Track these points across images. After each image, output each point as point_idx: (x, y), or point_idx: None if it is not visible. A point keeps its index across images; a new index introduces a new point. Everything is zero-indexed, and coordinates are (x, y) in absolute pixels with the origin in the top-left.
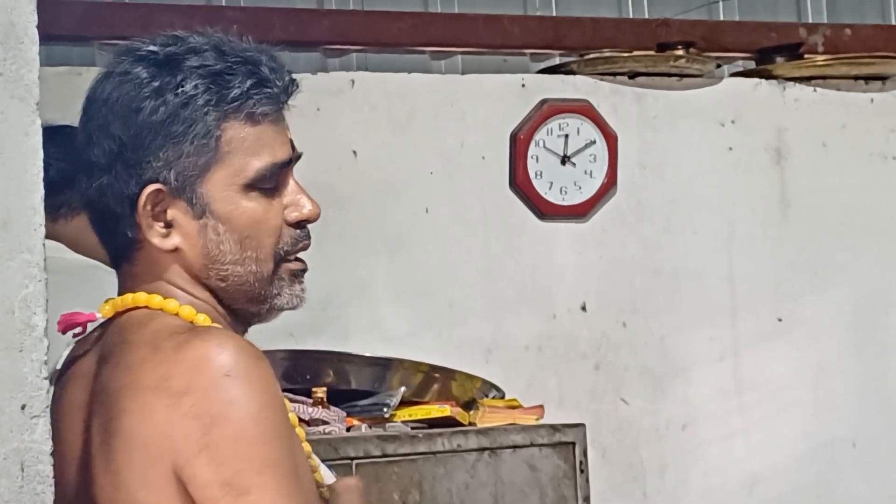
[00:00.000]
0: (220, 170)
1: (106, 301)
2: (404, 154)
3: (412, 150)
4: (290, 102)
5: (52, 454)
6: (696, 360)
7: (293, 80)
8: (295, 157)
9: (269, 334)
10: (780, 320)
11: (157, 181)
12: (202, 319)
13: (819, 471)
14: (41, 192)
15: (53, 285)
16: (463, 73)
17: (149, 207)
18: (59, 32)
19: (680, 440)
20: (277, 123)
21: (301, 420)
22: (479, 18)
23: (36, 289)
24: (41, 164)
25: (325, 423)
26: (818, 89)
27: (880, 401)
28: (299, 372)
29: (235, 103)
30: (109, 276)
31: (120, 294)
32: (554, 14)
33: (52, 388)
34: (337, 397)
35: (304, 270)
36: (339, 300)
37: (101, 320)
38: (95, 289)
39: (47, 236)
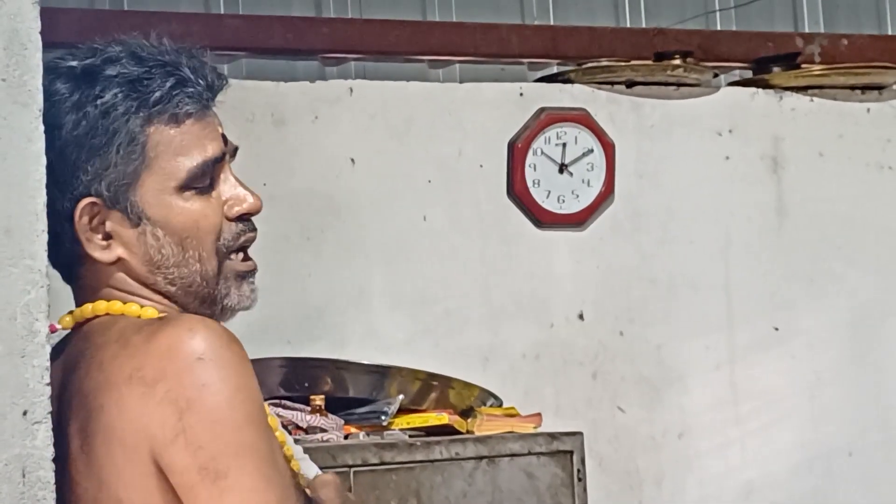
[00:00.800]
0: (151, 175)
1: (66, 314)
2: (402, 162)
3: (410, 158)
4: (218, 99)
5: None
6: (693, 369)
7: (220, 76)
8: (229, 150)
9: (267, 342)
10: (776, 329)
11: (89, 195)
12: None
13: (815, 480)
14: (44, 198)
15: (62, 292)
16: (461, 82)
17: (85, 221)
18: (59, 39)
19: (676, 449)
20: (203, 120)
21: (299, 428)
22: (477, 27)
23: (38, 295)
24: (44, 170)
25: (322, 430)
26: (815, 99)
27: (877, 410)
28: (297, 380)
29: (157, 106)
30: None
31: (78, 306)
32: (552, 23)
33: None
34: (335, 405)
35: (253, 271)
36: (336, 308)
37: (63, 333)
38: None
39: None
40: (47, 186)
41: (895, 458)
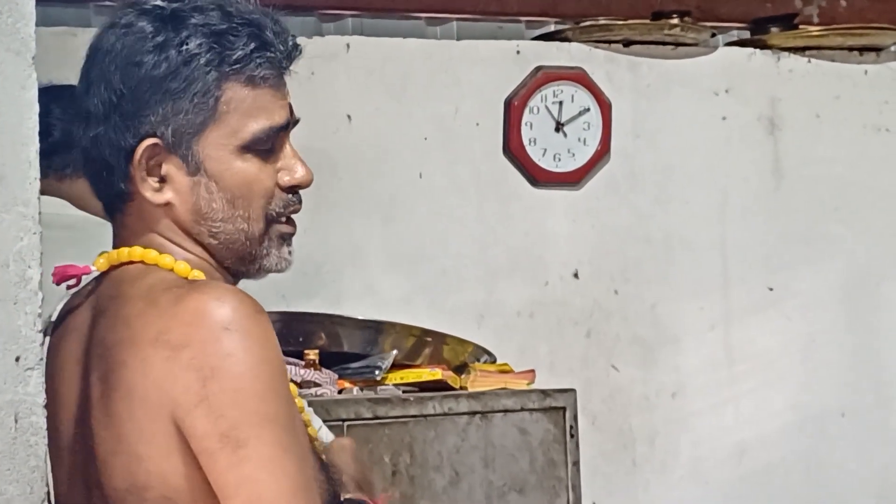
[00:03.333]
0: (217, 129)
1: (100, 254)
2: (399, 119)
3: (406, 116)
4: (291, 68)
5: (46, 406)
6: (687, 329)
7: (296, 46)
8: (293, 121)
9: (262, 297)
10: (771, 290)
11: (153, 135)
12: (195, 275)
13: (808, 441)
14: (37, 145)
15: (58, 241)
16: (458, 39)
17: (144, 161)
18: None
19: (670, 408)
20: (277, 88)
21: (293, 381)
22: None
23: (30, 242)
24: (37, 118)
25: (316, 385)
26: (812, 60)
27: (870, 372)
28: (292, 334)
29: (237, 65)
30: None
31: (115, 247)
32: None
33: (46, 340)
34: (329, 360)
35: (293, 234)
36: (332, 265)
37: (96, 273)
38: (100, 245)
39: (53, 195)
40: (113, 119)
41: (888, 420)
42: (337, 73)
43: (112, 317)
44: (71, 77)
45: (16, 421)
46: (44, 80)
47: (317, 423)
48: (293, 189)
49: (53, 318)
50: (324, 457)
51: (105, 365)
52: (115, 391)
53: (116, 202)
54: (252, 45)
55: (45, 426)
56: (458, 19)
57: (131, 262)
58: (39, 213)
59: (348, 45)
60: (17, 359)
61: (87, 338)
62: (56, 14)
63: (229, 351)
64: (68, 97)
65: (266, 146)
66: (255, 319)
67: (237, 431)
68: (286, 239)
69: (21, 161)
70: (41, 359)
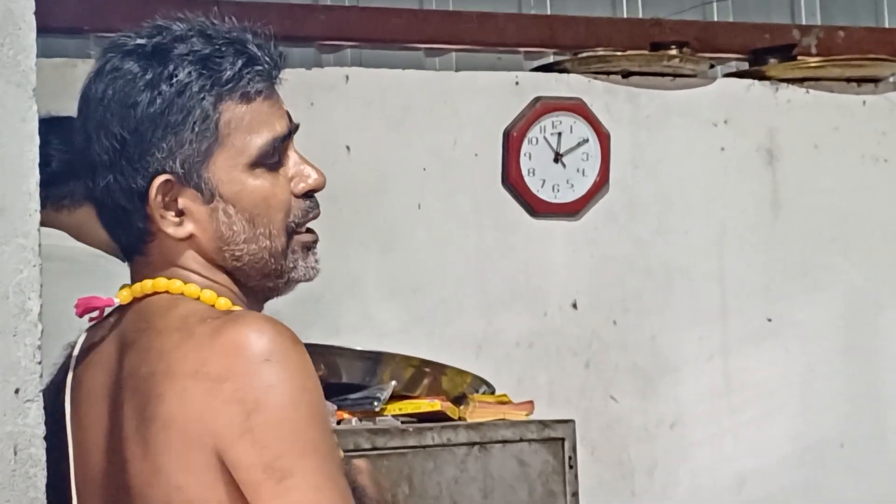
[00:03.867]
0: (223, 152)
1: (122, 287)
2: (397, 150)
3: (405, 147)
4: (280, 76)
5: (73, 437)
6: (686, 359)
7: (282, 54)
8: (293, 128)
9: None
10: (769, 321)
11: (164, 172)
12: (223, 303)
13: (807, 471)
14: (37, 177)
15: (56, 273)
16: (457, 70)
17: (160, 198)
18: (55, 24)
19: (669, 439)
20: (272, 98)
21: None
22: (473, 16)
23: (30, 274)
24: (37, 150)
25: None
26: (811, 91)
27: (869, 402)
28: None
29: (229, 84)
30: (111, 265)
31: (134, 283)
32: (548, 12)
33: (69, 373)
34: (328, 390)
35: (316, 241)
36: (330, 295)
37: (118, 305)
38: (98, 277)
39: (51, 226)
40: (119, 164)
41: (887, 450)
42: (336, 103)
43: (144, 349)
44: (71, 108)
45: (15, 453)
46: (43, 111)
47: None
48: (308, 194)
49: (76, 352)
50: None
51: (140, 397)
52: (152, 423)
53: (136, 244)
54: (240, 62)
55: (44, 458)
56: (456, 50)
57: (155, 293)
58: (39, 245)
59: (347, 77)
60: (17, 391)
61: (115, 370)
62: (56, 45)
63: (271, 382)
64: (67, 128)
65: (273, 158)
66: (294, 349)
67: (282, 462)
68: (310, 247)
69: (21, 193)
70: (40, 391)
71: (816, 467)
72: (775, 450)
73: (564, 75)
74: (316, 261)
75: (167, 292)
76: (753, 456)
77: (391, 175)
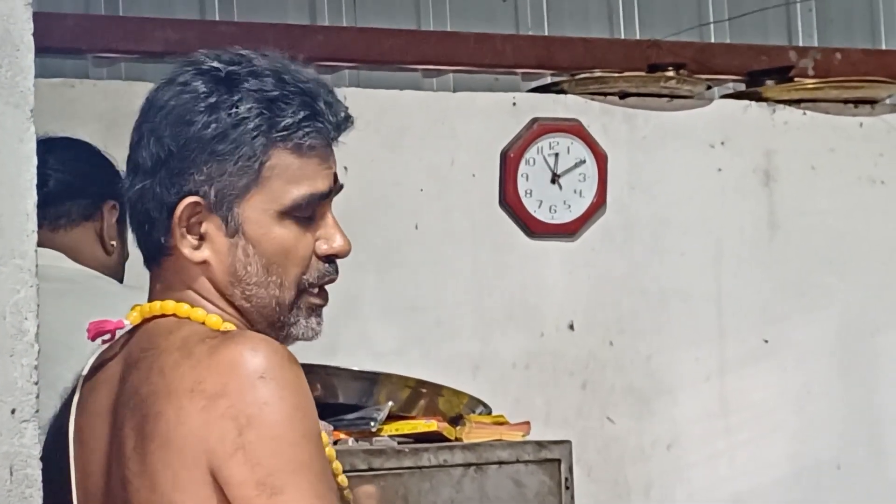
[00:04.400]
0: (259, 193)
1: (133, 308)
2: (395, 170)
3: (403, 167)
4: (340, 139)
5: (75, 457)
6: (683, 380)
7: (348, 118)
8: (336, 188)
9: None
10: (766, 342)
11: (196, 194)
12: (228, 327)
13: (803, 493)
14: (34, 198)
15: (54, 293)
16: (454, 91)
17: (185, 218)
18: (53, 45)
19: (665, 460)
20: (323, 157)
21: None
22: (471, 37)
23: (27, 294)
24: (34, 170)
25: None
26: (807, 112)
27: (865, 424)
28: None
29: (285, 132)
30: (108, 285)
31: (150, 298)
32: (546, 34)
33: (76, 394)
34: (324, 410)
35: (323, 306)
36: (327, 315)
37: (129, 327)
38: (93, 297)
39: (48, 245)
40: (160, 174)
41: (883, 472)
42: None
43: (146, 369)
44: (68, 128)
45: (11, 473)
46: (41, 131)
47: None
48: (330, 258)
49: (84, 372)
50: None
51: (140, 416)
52: (150, 441)
53: (156, 255)
54: (302, 114)
55: (40, 478)
56: (454, 71)
57: (163, 316)
58: (36, 266)
59: (345, 97)
60: (13, 411)
61: (118, 390)
62: (54, 66)
63: (265, 399)
64: (63, 149)
65: (306, 213)
66: (289, 368)
67: (273, 479)
68: (315, 310)
69: (19, 213)
70: (36, 411)
71: (813, 489)
72: (772, 471)
73: (562, 96)
74: (318, 323)
75: (175, 315)
76: (750, 477)
77: (388, 195)
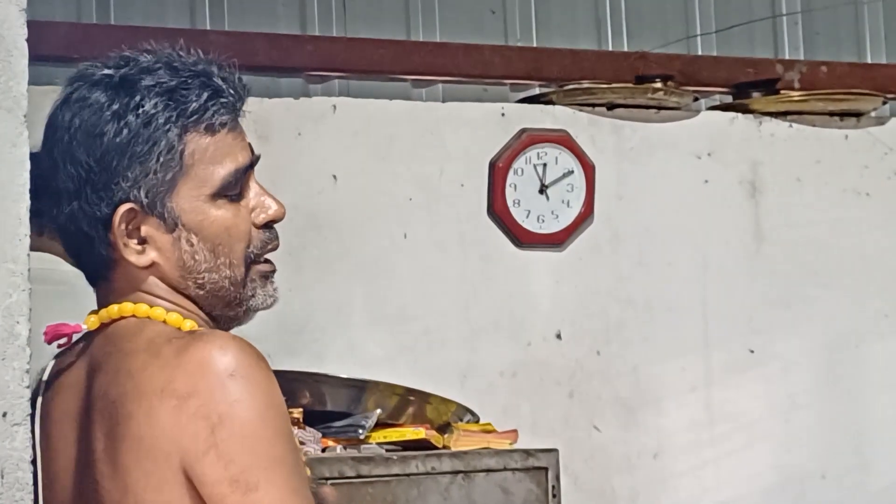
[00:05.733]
0: (187, 182)
1: (90, 313)
2: (384, 180)
3: (392, 176)
4: (244, 108)
5: (42, 463)
6: (669, 390)
7: (245, 87)
8: (254, 159)
9: None
10: (752, 352)
11: (128, 200)
12: (189, 325)
13: (789, 502)
14: (27, 202)
15: (47, 295)
16: (443, 101)
17: (123, 226)
18: (45, 53)
19: (651, 469)
20: (235, 130)
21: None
22: (460, 48)
23: (20, 298)
24: (27, 175)
25: (301, 443)
26: (793, 125)
27: (850, 434)
28: None
29: (195, 116)
30: None
31: (100, 308)
32: (534, 45)
33: (39, 399)
34: (313, 418)
35: (274, 271)
36: (315, 324)
37: (86, 331)
38: (88, 299)
39: (42, 249)
40: (85, 192)
41: (867, 482)
42: (323, 133)
43: (113, 372)
44: None
45: (2, 476)
46: (34, 138)
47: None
48: (268, 225)
49: (45, 378)
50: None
51: (109, 418)
52: (121, 443)
53: (101, 270)
54: (205, 95)
55: (31, 481)
56: (443, 82)
57: (122, 318)
58: (29, 270)
59: (335, 107)
60: (5, 414)
61: (84, 395)
62: (47, 73)
63: (236, 397)
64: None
65: (235, 190)
66: (259, 366)
67: (247, 475)
68: (268, 276)
69: (11, 217)
70: (28, 415)
71: (798, 498)
72: (757, 480)
73: (550, 107)
74: (274, 289)
75: (134, 316)
76: (735, 487)
77: (377, 204)
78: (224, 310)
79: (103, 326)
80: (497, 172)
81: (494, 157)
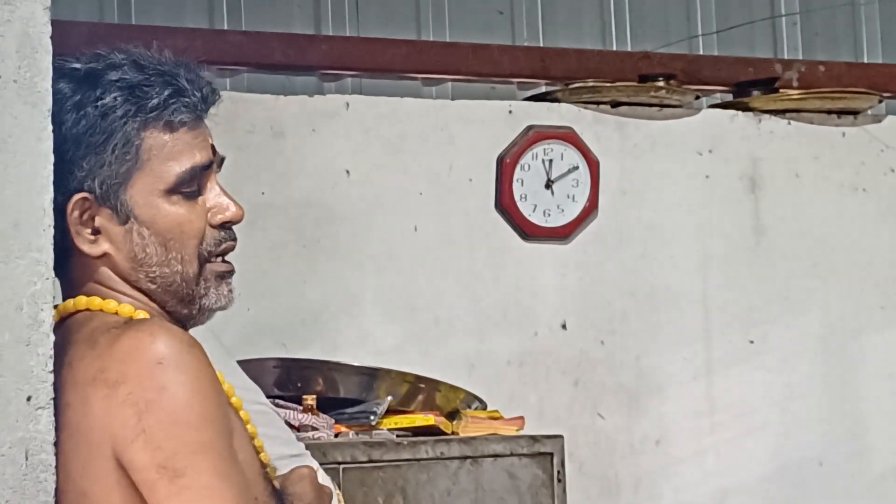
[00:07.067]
0: (142, 177)
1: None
2: (395, 175)
3: (403, 172)
4: (211, 111)
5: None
6: (671, 379)
7: (213, 91)
8: (217, 160)
9: (262, 344)
10: (751, 343)
11: (82, 190)
12: (141, 315)
13: (787, 489)
14: (51, 194)
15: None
16: (453, 99)
17: (76, 215)
18: (68, 51)
19: (654, 456)
20: (196, 130)
21: (291, 426)
22: (469, 47)
23: (43, 286)
24: (51, 167)
25: (314, 429)
26: (792, 122)
27: (847, 422)
28: (290, 380)
29: (154, 112)
30: None
31: (64, 300)
32: (541, 45)
33: None
34: (326, 405)
35: (231, 272)
36: (329, 314)
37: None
38: None
39: None
40: None
41: (864, 469)
42: (336, 129)
43: (58, 363)
44: None
45: (26, 458)
46: None
47: (313, 464)
48: (225, 226)
49: None
50: (276, 483)
51: (53, 408)
52: (61, 432)
53: (60, 258)
54: (167, 92)
55: (53, 463)
56: (452, 80)
57: (78, 311)
58: (52, 259)
59: (348, 104)
60: (29, 398)
61: None
62: None
63: (163, 384)
64: None
65: (192, 187)
66: (189, 353)
67: (174, 461)
68: (224, 277)
69: (36, 209)
70: (51, 398)
71: (796, 485)
72: (756, 467)
73: (556, 105)
74: (230, 290)
75: (88, 309)
76: (735, 473)
77: (389, 198)
78: (178, 306)
79: (62, 320)
80: (504, 168)
81: (502, 153)
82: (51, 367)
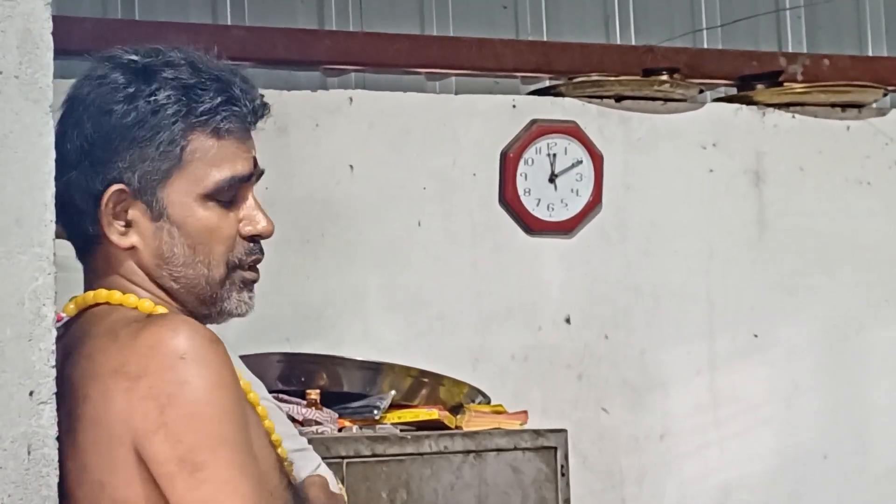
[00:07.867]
0: (182, 178)
1: (70, 300)
2: (399, 170)
3: (406, 166)
4: (258, 124)
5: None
6: (675, 374)
7: (264, 105)
8: (257, 173)
9: (267, 339)
10: (755, 337)
11: (120, 181)
12: (160, 311)
13: (791, 483)
14: (52, 189)
15: (70, 282)
16: (456, 94)
17: (110, 206)
18: (71, 47)
19: (658, 450)
20: (242, 140)
21: (295, 420)
22: (472, 42)
23: (45, 281)
24: (53, 163)
25: (317, 423)
26: (796, 116)
27: (850, 417)
28: (294, 374)
29: (203, 117)
30: None
31: (85, 290)
32: (544, 39)
33: None
34: (329, 399)
35: (255, 281)
36: (333, 309)
37: (67, 319)
38: None
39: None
40: (83, 164)
41: (868, 462)
42: (340, 124)
43: (77, 355)
44: None
45: (28, 452)
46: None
47: (301, 446)
48: (254, 239)
49: None
50: (292, 478)
51: (70, 400)
52: (79, 423)
53: (86, 245)
54: (219, 99)
55: (56, 458)
56: (456, 75)
57: (97, 304)
58: (54, 255)
59: (351, 99)
60: (31, 393)
61: (57, 380)
62: (72, 67)
63: (185, 378)
64: None
65: (228, 196)
66: (210, 348)
67: (194, 455)
68: (247, 284)
69: (37, 204)
70: (53, 393)
71: (799, 479)
72: (760, 462)
73: (559, 99)
74: (250, 298)
75: (108, 303)
76: (739, 467)
77: (392, 194)
78: (198, 307)
79: (81, 313)
80: (508, 162)
81: (505, 148)
82: (52, 362)
